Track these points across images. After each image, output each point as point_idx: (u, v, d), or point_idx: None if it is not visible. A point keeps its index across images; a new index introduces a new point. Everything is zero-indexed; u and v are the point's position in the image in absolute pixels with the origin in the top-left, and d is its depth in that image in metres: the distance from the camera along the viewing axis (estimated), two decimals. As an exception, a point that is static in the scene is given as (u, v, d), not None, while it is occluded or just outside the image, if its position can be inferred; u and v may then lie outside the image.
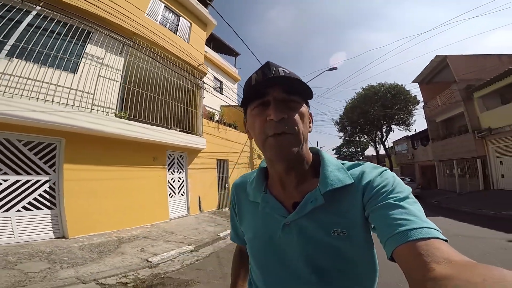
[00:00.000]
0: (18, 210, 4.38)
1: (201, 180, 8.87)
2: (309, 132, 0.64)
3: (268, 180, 0.71)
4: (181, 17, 9.02)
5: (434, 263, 0.37)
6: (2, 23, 4.27)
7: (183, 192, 8.10)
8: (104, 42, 5.95)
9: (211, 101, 11.45)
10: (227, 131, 10.76)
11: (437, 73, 18.71)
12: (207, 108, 10.57)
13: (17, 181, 4.42)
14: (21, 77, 4.39)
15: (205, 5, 9.99)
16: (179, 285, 3.22)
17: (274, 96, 0.58)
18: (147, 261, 3.95)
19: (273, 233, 0.64)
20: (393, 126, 23.88)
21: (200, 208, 8.54)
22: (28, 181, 4.53)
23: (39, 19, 4.78)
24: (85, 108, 5.17)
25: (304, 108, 0.62)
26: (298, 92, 0.60)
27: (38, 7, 4.78)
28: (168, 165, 7.55)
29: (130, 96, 6.43)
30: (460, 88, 14.62)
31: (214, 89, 12.67)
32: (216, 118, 10.72)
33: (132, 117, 6.23)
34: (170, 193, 7.47)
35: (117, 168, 5.93)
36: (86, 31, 5.59)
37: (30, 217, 4.51)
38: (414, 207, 0.49)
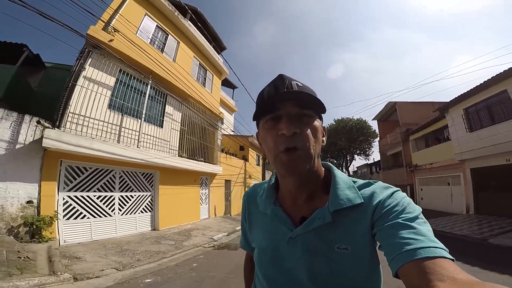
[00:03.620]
0: (138, 213, 8.08)
1: (216, 194, 12.87)
2: (322, 146, 0.65)
3: (278, 192, 0.73)
4: (207, 71, 12.92)
5: (438, 281, 0.38)
6: (138, 94, 8.07)
7: (206, 202, 12.04)
8: (173, 103, 9.75)
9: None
10: (231, 159, 14.83)
11: (390, 115, 23.29)
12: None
13: (139, 195, 8.15)
14: (143, 133, 8.18)
15: (218, 53, 13.86)
16: (236, 245, 7.20)
17: (287, 110, 0.58)
18: (211, 238, 7.86)
19: (279, 245, 0.65)
20: (355, 156, 29.44)
21: (215, 213, 12.46)
22: (142, 195, 8.28)
23: (150, 88, 8.55)
24: (167, 152, 9.00)
25: (317, 123, 0.62)
26: (311, 106, 0.60)
27: (151, 81, 8.52)
28: (200, 184, 11.47)
29: (182, 140, 10.24)
30: (401, 131, 18.73)
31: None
32: (221, 147, 14.69)
33: (184, 154, 10.09)
34: (200, 203, 11.35)
35: (176, 186, 9.73)
36: (164, 94, 9.35)
37: (141, 217, 8.21)
38: (423, 227, 0.49)
